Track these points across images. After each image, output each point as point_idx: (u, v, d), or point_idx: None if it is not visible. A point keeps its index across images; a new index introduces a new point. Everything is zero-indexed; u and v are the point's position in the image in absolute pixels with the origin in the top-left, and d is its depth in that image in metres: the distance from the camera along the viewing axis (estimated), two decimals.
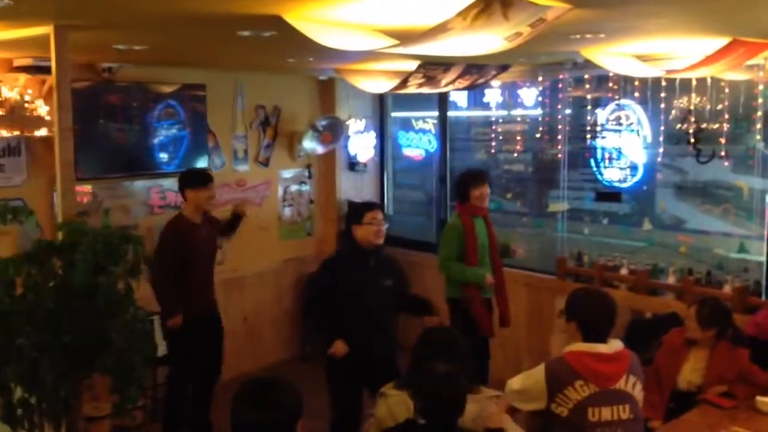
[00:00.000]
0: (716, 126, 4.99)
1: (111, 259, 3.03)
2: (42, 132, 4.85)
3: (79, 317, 3.00)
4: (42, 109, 4.82)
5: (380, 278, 4.31)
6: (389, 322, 4.41)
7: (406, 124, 7.29)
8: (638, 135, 5.50)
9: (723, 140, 4.96)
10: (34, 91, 4.88)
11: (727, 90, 4.92)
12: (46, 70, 3.99)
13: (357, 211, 4.47)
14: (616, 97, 5.52)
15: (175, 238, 4.74)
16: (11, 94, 4.72)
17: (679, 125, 5.20)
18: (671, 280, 5.21)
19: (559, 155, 5.95)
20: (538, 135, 6.10)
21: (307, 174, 6.99)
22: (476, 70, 5.24)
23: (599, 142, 5.67)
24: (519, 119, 6.32)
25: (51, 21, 3.27)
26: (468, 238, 5.01)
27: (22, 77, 4.83)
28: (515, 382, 3.16)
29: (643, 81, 5.26)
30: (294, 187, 6.92)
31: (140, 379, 3.19)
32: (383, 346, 4.27)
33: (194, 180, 4.88)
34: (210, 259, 4.96)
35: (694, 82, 5.01)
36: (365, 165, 7.23)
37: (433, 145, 7.02)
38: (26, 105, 4.78)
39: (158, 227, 5.80)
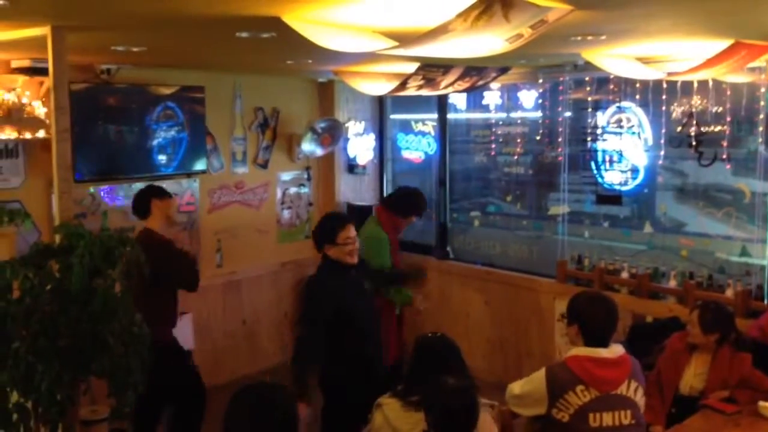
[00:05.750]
0: (718, 129, 4.98)
1: (108, 262, 3.00)
2: (40, 134, 4.82)
3: (76, 321, 2.97)
4: (40, 110, 4.79)
5: (363, 289, 4.10)
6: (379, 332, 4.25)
7: (406, 127, 7.27)
8: (639, 138, 5.48)
9: (725, 143, 4.94)
10: (32, 93, 4.85)
11: (728, 92, 4.90)
12: (44, 71, 3.95)
13: (329, 227, 3.98)
14: (617, 99, 5.50)
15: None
16: (9, 95, 4.69)
17: (680, 128, 5.18)
18: (672, 283, 5.19)
19: (560, 158, 5.93)
20: (538, 137, 6.09)
21: (306, 176, 6.97)
22: (476, 72, 5.22)
23: (600, 145, 5.65)
24: (519, 122, 6.30)
25: (48, 22, 3.24)
26: (393, 256, 4.97)
27: (20, 79, 4.80)
28: (515, 387, 3.14)
29: (644, 83, 5.24)
30: (293, 190, 6.89)
31: (137, 383, 3.15)
32: (381, 361, 4.13)
33: (161, 190, 4.61)
34: None
35: (695, 85, 5.00)
36: (364, 167, 7.20)
37: (433, 148, 7.00)
38: (24, 107, 4.75)
39: None
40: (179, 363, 4.63)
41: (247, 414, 2.18)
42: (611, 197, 5.61)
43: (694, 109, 5.08)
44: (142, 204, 4.62)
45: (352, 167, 7.15)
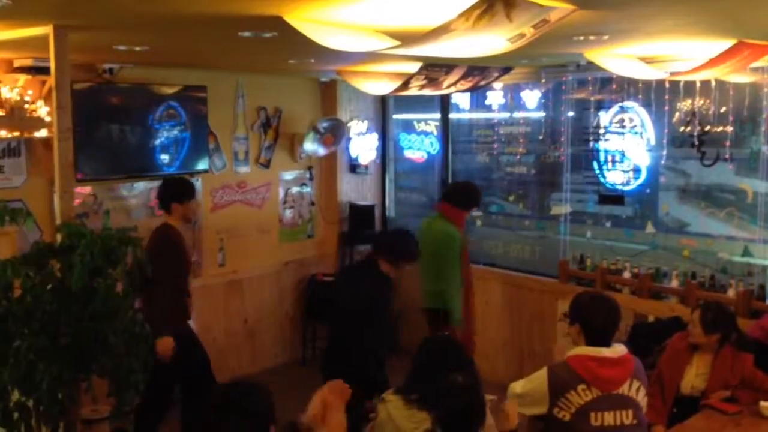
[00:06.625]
0: (720, 129, 4.97)
1: (109, 262, 3.01)
2: (42, 133, 4.83)
3: (77, 320, 2.97)
4: (42, 110, 4.80)
5: None
6: None
7: (408, 126, 7.27)
8: (641, 137, 5.47)
9: (727, 143, 4.93)
10: (35, 92, 4.85)
11: (731, 92, 4.89)
12: (47, 70, 3.97)
13: (412, 250, 4.25)
14: (620, 99, 5.49)
15: (174, 249, 4.58)
16: (11, 94, 4.70)
17: (682, 128, 5.17)
18: (674, 283, 5.18)
19: (562, 158, 5.93)
20: (540, 137, 6.08)
21: (308, 176, 6.97)
22: (478, 72, 5.22)
23: (602, 145, 5.64)
24: (521, 121, 6.30)
25: (50, 21, 3.25)
26: (464, 255, 4.99)
27: (23, 78, 4.81)
28: (517, 386, 3.14)
29: (647, 83, 5.23)
30: (295, 189, 6.89)
31: (138, 382, 3.16)
32: (384, 368, 4.27)
33: (184, 192, 4.66)
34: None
35: (698, 85, 4.99)
36: (367, 167, 7.20)
37: (435, 148, 7.00)
38: (26, 106, 4.75)
39: None
40: (200, 353, 4.72)
41: (221, 412, 2.17)
42: (613, 197, 5.60)
43: (696, 109, 5.07)
44: (163, 201, 4.68)
45: (354, 167, 7.15)
